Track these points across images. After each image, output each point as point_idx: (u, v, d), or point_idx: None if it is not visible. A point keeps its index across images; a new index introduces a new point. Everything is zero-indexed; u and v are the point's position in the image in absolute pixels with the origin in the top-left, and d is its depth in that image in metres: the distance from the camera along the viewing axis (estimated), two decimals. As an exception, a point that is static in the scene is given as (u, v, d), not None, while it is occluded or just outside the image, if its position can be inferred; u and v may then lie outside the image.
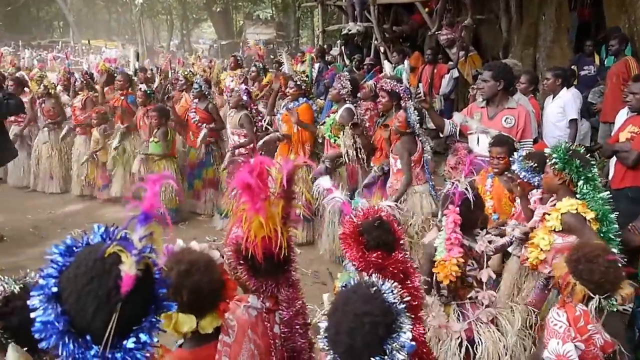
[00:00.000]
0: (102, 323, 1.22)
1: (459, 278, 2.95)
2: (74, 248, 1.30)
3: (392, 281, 1.76)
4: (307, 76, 6.82)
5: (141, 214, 1.27)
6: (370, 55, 11.99)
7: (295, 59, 11.52)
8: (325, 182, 2.80)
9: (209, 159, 7.48)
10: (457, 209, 2.94)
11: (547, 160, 3.39)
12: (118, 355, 1.23)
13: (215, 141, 7.53)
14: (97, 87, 8.46)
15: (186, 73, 8.73)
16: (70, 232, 6.97)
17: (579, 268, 2.50)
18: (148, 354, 1.28)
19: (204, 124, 7.34)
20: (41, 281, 1.27)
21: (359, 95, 6.34)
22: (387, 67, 7.36)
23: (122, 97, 7.89)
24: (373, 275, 2.10)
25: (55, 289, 1.25)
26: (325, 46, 13.22)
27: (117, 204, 7.83)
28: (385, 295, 1.68)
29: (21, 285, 1.91)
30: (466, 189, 2.95)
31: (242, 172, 2.02)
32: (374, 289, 1.71)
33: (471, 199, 2.94)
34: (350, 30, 12.16)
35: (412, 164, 4.98)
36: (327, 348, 1.67)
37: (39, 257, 6.03)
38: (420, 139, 5.05)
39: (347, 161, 5.73)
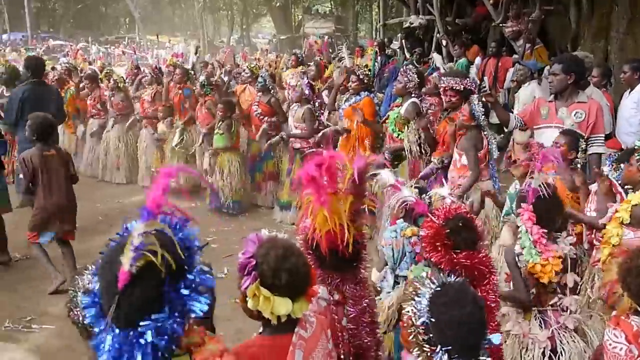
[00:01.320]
0: (109, 311, 1.31)
1: (542, 282, 2.79)
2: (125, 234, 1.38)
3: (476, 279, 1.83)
4: (369, 70, 6.76)
5: (145, 210, 1.34)
6: (432, 48, 11.81)
7: (356, 52, 11.47)
8: (388, 176, 2.77)
9: (269, 152, 7.56)
10: (531, 206, 2.82)
11: (636, 154, 3.25)
12: (134, 335, 1.30)
13: (277, 134, 7.59)
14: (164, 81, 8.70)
15: (252, 66, 8.84)
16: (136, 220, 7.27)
17: (627, 280, 2.25)
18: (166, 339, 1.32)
19: (266, 117, 7.45)
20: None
21: (423, 89, 6.25)
22: (436, 59, 7.20)
23: (180, 91, 8.08)
24: (455, 274, 2.19)
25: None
26: (385, 39, 13.11)
27: (180, 195, 8.03)
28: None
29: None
30: (541, 185, 2.82)
31: (309, 165, 2.04)
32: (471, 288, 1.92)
33: (547, 196, 2.81)
34: (412, 24, 12.02)
35: (478, 160, 4.84)
36: (430, 343, 1.80)
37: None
38: (485, 133, 4.91)
39: (410, 156, 5.66)
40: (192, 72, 9.01)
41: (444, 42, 11.00)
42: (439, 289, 1.85)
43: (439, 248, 2.33)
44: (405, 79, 5.93)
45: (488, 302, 2.27)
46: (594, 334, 2.90)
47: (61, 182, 5.12)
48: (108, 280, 1.31)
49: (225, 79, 9.94)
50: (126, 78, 9.31)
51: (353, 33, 25.90)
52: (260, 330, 1.95)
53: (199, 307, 1.37)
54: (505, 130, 5.68)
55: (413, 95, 5.86)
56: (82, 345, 4.28)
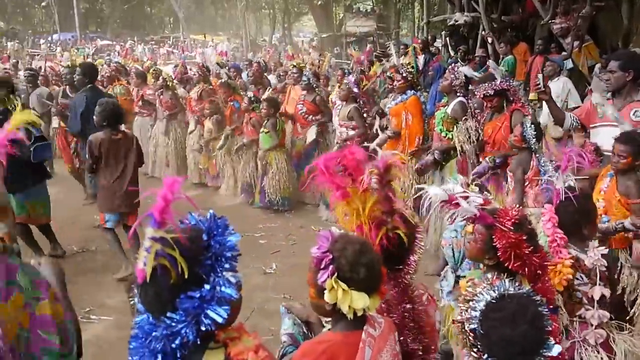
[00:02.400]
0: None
1: (566, 290, 2.70)
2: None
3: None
4: (412, 67, 6.73)
5: (152, 217, 1.42)
6: (477, 46, 11.68)
7: (407, 51, 11.42)
8: (438, 192, 2.65)
9: (314, 150, 7.61)
10: (554, 207, 2.73)
11: None
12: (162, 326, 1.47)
13: (321, 132, 7.67)
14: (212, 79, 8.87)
15: (299, 63, 8.92)
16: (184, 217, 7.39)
17: None
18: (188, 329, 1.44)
19: (311, 116, 7.53)
20: None
21: (470, 87, 6.21)
22: (465, 71, 7.03)
23: (231, 103, 8.21)
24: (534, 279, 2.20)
25: None
26: (429, 37, 13.02)
27: (227, 193, 8.22)
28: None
29: None
30: (568, 187, 2.72)
31: (327, 157, 2.10)
32: (532, 293, 1.89)
33: (572, 199, 2.70)
34: (456, 21, 11.89)
35: (527, 183, 4.76)
36: (478, 349, 1.80)
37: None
38: (537, 155, 4.80)
39: (460, 156, 5.63)
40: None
41: (489, 40, 10.87)
42: (494, 300, 1.82)
43: (522, 256, 2.31)
44: (452, 76, 5.90)
45: (550, 305, 2.29)
46: (622, 352, 2.76)
47: (127, 165, 5.32)
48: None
49: (271, 77, 10.06)
50: (174, 77, 9.51)
51: (395, 31, 25.76)
52: (329, 326, 1.99)
53: (215, 317, 1.46)
54: (561, 129, 5.58)
55: (459, 94, 5.83)
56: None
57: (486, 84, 5.33)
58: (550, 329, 1.80)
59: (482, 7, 11.40)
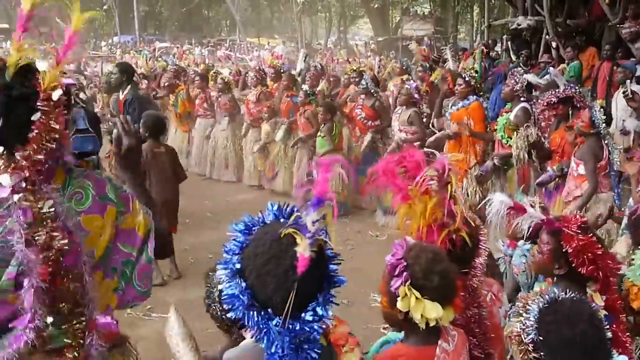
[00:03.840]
0: (281, 299, 1.34)
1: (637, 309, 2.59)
2: (252, 226, 1.44)
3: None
4: (476, 72, 6.60)
5: (314, 198, 1.36)
6: (540, 51, 11.35)
7: (465, 55, 11.23)
8: (502, 199, 2.58)
9: (373, 155, 7.55)
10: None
11: None
12: (297, 325, 1.36)
13: (380, 138, 7.61)
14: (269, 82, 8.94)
15: (359, 67, 8.90)
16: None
17: None
18: (324, 326, 1.39)
19: (370, 121, 7.48)
20: (225, 256, 1.43)
21: (534, 93, 6.04)
22: (530, 78, 6.78)
23: (289, 98, 8.26)
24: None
25: (238, 265, 1.39)
26: (489, 41, 12.75)
27: (284, 195, 8.26)
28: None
29: None
30: None
31: (387, 160, 2.09)
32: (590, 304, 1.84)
33: None
34: (519, 25, 11.59)
35: (598, 170, 4.61)
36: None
37: (216, 240, 6.56)
38: (606, 141, 4.66)
39: (517, 164, 5.47)
40: (299, 79, 9.16)
41: (553, 44, 10.55)
42: (547, 305, 1.77)
43: (595, 259, 2.26)
44: (512, 82, 5.76)
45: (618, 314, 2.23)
46: None
47: (167, 178, 5.42)
48: (282, 270, 1.35)
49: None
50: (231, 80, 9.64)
51: (453, 35, 25.38)
52: (401, 337, 1.95)
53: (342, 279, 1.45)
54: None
55: (522, 99, 5.67)
56: (199, 335, 4.50)
57: (550, 92, 5.17)
58: (609, 332, 1.78)
59: (546, 10, 11.07)
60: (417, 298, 1.75)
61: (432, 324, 1.77)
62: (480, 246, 2.22)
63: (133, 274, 1.90)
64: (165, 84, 9.95)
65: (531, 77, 6.89)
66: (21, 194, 1.59)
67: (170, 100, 9.68)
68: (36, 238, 1.58)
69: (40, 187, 1.62)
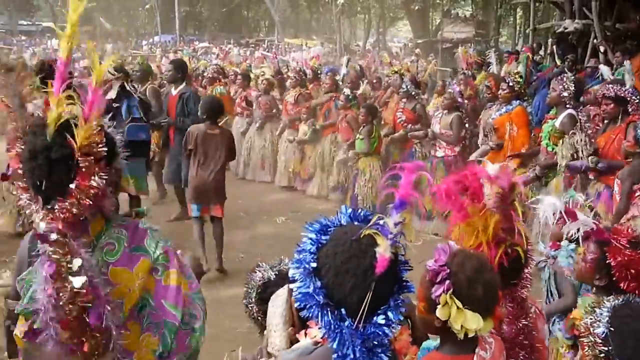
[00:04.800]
0: (357, 299, 1.35)
1: None
2: (328, 227, 1.44)
3: None
4: (521, 77, 6.39)
5: (397, 200, 1.37)
6: (587, 55, 10.97)
7: (510, 59, 10.96)
8: (554, 202, 2.53)
9: (411, 159, 7.43)
10: None
11: None
12: (369, 329, 1.37)
13: (419, 142, 7.45)
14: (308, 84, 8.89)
15: (399, 69, 8.79)
16: (275, 219, 7.36)
17: None
18: (394, 330, 1.40)
19: (409, 125, 7.33)
20: (298, 255, 1.43)
21: (582, 99, 5.78)
22: (604, 71, 6.59)
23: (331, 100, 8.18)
24: None
25: (314, 265, 1.39)
26: (534, 45, 12.42)
27: (317, 198, 8.19)
28: None
29: (276, 272, 2.00)
30: None
31: (449, 180, 2.04)
32: None
33: None
34: (565, 28, 11.24)
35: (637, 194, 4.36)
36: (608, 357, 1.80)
37: (248, 240, 6.54)
38: None
39: (562, 172, 5.25)
40: (341, 83, 9.08)
41: (601, 49, 10.18)
42: (622, 301, 1.89)
43: (638, 276, 2.22)
44: (560, 87, 5.52)
45: None
46: None
47: (217, 160, 5.53)
48: (361, 270, 1.35)
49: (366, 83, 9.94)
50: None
51: (494, 38, 24.96)
52: (435, 344, 1.91)
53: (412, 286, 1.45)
54: None
55: (568, 105, 5.43)
56: (228, 334, 4.46)
57: (612, 86, 4.92)
58: None
59: (595, 13, 10.70)
60: (458, 307, 1.70)
61: (471, 335, 1.72)
62: (529, 256, 2.17)
63: (174, 343, 1.86)
64: (208, 77, 10.23)
65: (606, 70, 6.68)
66: (51, 245, 1.62)
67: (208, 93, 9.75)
68: (60, 293, 1.60)
69: (71, 242, 1.65)
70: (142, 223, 1.91)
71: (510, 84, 6.07)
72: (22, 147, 1.71)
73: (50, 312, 1.60)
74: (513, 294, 2.14)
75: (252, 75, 10.20)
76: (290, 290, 1.96)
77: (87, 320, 1.64)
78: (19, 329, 1.79)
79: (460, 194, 2.01)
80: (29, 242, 1.86)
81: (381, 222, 1.37)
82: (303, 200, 8.32)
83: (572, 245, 3.09)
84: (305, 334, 1.58)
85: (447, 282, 1.71)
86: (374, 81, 10.37)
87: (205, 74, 10.85)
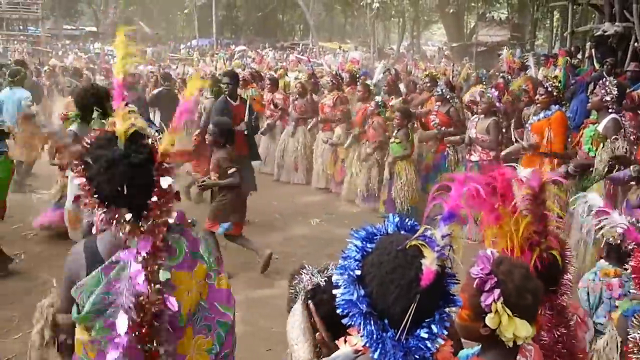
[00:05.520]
0: (400, 310, 1.32)
1: None
2: (374, 235, 1.42)
3: None
4: (559, 81, 6.30)
5: (445, 212, 1.34)
6: (627, 59, 10.76)
7: (547, 62, 10.83)
8: (596, 200, 2.57)
9: (443, 163, 7.42)
10: None
11: None
12: (411, 341, 1.33)
13: (452, 145, 7.43)
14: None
15: (432, 73, 8.77)
16: (309, 221, 7.39)
17: None
18: (437, 345, 1.36)
19: (443, 128, 7.32)
20: (343, 262, 1.41)
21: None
22: None
23: (364, 106, 8.19)
24: None
25: (358, 272, 1.37)
26: (572, 49, 12.23)
27: (349, 201, 8.24)
28: None
29: (326, 278, 2.01)
30: None
31: (478, 180, 1.95)
32: None
33: None
34: (605, 32, 11.05)
35: None
36: None
37: (283, 241, 6.61)
38: None
39: (599, 178, 5.17)
40: (373, 89, 9.10)
41: (643, 52, 9.98)
42: None
43: None
44: (603, 91, 5.44)
45: None
46: None
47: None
48: (406, 281, 1.32)
49: (401, 87, 9.95)
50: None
51: (530, 41, 24.60)
52: (473, 351, 1.90)
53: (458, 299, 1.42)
54: None
55: (611, 110, 5.35)
56: (264, 333, 4.54)
57: None
58: None
59: (636, 16, 10.52)
60: (508, 316, 1.70)
61: (519, 342, 1.73)
62: (567, 262, 2.15)
63: (227, 337, 1.98)
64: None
65: None
66: (145, 258, 1.72)
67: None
68: (141, 299, 1.71)
69: (161, 252, 1.75)
70: (195, 232, 1.99)
71: (549, 88, 5.97)
72: (92, 160, 1.76)
73: (132, 315, 1.71)
74: (552, 301, 2.12)
75: (286, 79, 10.27)
76: (306, 304, 1.98)
77: (157, 325, 1.74)
78: (82, 337, 1.87)
79: (490, 195, 1.98)
80: (84, 252, 1.91)
81: (428, 233, 1.35)
82: (337, 202, 8.36)
83: (604, 264, 3.09)
84: (345, 341, 1.56)
85: (497, 290, 1.71)
86: (409, 85, 10.39)
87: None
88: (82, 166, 1.79)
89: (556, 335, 2.08)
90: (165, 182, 1.75)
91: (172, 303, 1.76)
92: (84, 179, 1.78)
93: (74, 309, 1.86)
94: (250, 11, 43.33)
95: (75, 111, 4.98)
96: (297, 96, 9.10)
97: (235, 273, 5.64)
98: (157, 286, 1.73)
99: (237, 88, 7.08)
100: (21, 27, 41.48)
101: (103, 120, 4.68)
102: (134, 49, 1.88)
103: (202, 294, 1.93)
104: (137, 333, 1.72)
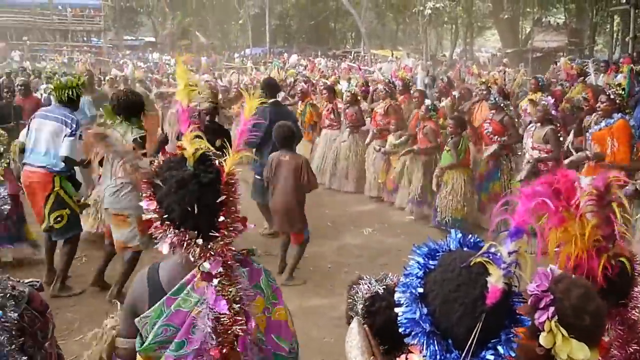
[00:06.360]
0: (465, 330, 1.27)
1: None
2: (437, 251, 1.39)
3: None
4: (623, 89, 6.08)
5: (512, 228, 1.28)
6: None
7: (609, 69, 10.49)
8: None
9: (496, 173, 7.28)
10: None
11: None
12: None
13: (507, 155, 7.29)
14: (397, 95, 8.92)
15: (486, 80, 8.64)
16: (362, 230, 7.37)
17: None
18: None
19: (497, 137, 7.20)
20: (405, 279, 1.38)
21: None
22: None
23: (417, 111, 8.17)
24: None
25: (421, 290, 1.34)
26: (634, 54, 11.80)
27: (401, 209, 8.19)
28: None
29: (384, 287, 2.02)
30: None
31: (538, 182, 1.89)
32: None
33: None
34: (670, 37, 10.62)
35: None
36: None
37: (336, 250, 6.62)
38: None
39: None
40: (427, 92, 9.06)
41: None
42: None
43: None
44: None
45: None
46: None
47: (288, 186, 5.53)
48: (470, 299, 1.29)
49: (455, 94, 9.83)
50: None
51: (589, 47, 23.84)
52: None
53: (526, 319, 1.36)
54: None
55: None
56: (316, 343, 4.55)
57: None
58: None
59: None
60: (563, 336, 1.63)
61: None
62: (637, 274, 2.04)
63: None
64: (298, 93, 10.33)
65: None
66: (219, 279, 1.75)
67: (299, 109, 9.95)
68: (221, 320, 1.74)
69: (234, 272, 1.79)
70: (255, 262, 1.99)
71: (612, 96, 5.78)
72: (162, 182, 1.79)
73: (210, 340, 1.74)
74: (622, 315, 2.03)
75: (338, 87, 10.30)
76: (361, 322, 1.96)
77: (237, 348, 1.78)
78: None
79: (553, 197, 1.88)
80: (148, 282, 1.92)
81: (493, 249, 1.29)
82: (390, 211, 8.31)
83: None
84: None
85: (552, 309, 1.66)
86: (463, 92, 10.26)
87: (292, 83, 11.05)
88: (152, 189, 1.81)
89: (629, 352, 1.99)
90: (232, 203, 1.79)
91: (252, 322, 1.79)
92: (154, 202, 1.80)
93: (138, 339, 1.89)
94: (302, 20, 43.78)
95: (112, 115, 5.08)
96: (348, 104, 9.11)
97: (288, 281, 5.70)
98: (238, 306, 1.76)
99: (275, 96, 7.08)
100: (85, 39, 43.29)
101: (138, 127, 4.98)
102: (195, 78, 1.96)
103: (259, 326, 1.93)
104: (217, 356, 1.74)
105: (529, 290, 1.72)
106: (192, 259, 1.79)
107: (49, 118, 5.15)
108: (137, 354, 1.91)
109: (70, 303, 5.14)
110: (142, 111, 5.11)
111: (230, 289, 1.75)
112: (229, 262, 1.78)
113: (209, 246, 1.77)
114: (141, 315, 1.84)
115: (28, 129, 5.22)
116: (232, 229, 1.79)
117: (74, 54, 36.78)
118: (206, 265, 1.76)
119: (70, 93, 5.14)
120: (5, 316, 1.65)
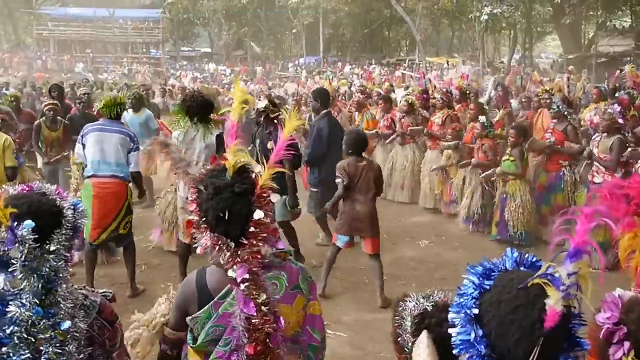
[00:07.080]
0: (522, 353, 1.23)
1: None
2: (492, 271, 1.34)
3: None
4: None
5: (572, 248, 1.23)
6: None
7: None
8: None
9: (559, 184, 7.00)
10: None
11: None
12: None
13: (569, 165, 7.01)
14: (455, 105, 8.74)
15: (551, 88, 8.37)
16: (418, 242, 7.20)
17: None
18: None
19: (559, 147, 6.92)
20: (459, 299, 1.34)
21: None
22: None
23: (473, 123, 7.97)
24: None
25: (476, 311, 1.30)
26: None
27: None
28: None
29: (432, 303, 1.97)
30: None
31: (610, 184, 1.89)
32: None
33: None
34: None
35: None
36: None
37: (391, 262, 6.50)
38: None
39: None
40: (486, 107, 8.82)
41: None
42: None
43: None
44: None
45: None
46: None
47: (366, 191, 5.43)
48: (529, 322, 1.24)
49: (514, 102, 9.57)
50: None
51: (658, 51, 22.82)
52: None
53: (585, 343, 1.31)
54: None
55: None
56: (371, 357, 4.46)
57: None
58: None
59: None
60: None
61: None
62: None
63: (315, 358, 2.21)
64: (355, 101, 10.22)
65: None
66: (246, 284, 1.86)
67: (357, 119, 9.87)
68: (253, 321, 1.86)
69: (260, 278, 1.90)
70: (293, 262, 2.15)
71: (683, 103, 5.49)
72: (203, 187, 1.95)
73: (244, 338, 1.88)
74: None
75: (392, 95, 10.19)
76: (429, 335, 1.91)
77: (270, 344, 1.88)
78: None
79: (623, 201, 1.83)
80: (196, 286, 2.08)
81: (552, 270, 1.24)
82: (447, 224, 8.12)
83: None
84: None
85: (627, 343, 1.56)
86: (523, 100, 9.96)
87: (344, 93, 11.00)
88: (196, 193, 1.97)
89: None
90: (257, 214, 1.90)
91: (282, 321, 1.92)
92: (196, 205, 1.96)
93: (189, 336, 2.07)
94: (356, 28, 43.84)
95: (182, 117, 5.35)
96: (404, 114, 8.98)
97: (345, 294, 5.62)
98: (266, 308, 1.86)
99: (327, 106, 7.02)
100: (144, 50, 44.83)
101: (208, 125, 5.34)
102: (250, 97, 2.07)
103: (299, 322, 2.13)
104: (252, 351, 1.87)
105: (598, 321, 1.63)
106: (222, 263, 1.92)
107: (108, 131, 5.35)
108: (190, 348, 2.09)
109: (129, 309, 5.17)
110: (212, 112, 5.44)
111: (257, 293, 1.86)
112: (254, 269, 1.88)
113: (238, 252, 1.89)
114: (192, 316, 2.01)
115: (82, 145, 5.37)
116: (260, 239, 1.90)
117: (134, 65, 38.13)
118: (231, 272, 1.88)
119: (119, 110, 5.45)
120: (75, 326, 1.73)
